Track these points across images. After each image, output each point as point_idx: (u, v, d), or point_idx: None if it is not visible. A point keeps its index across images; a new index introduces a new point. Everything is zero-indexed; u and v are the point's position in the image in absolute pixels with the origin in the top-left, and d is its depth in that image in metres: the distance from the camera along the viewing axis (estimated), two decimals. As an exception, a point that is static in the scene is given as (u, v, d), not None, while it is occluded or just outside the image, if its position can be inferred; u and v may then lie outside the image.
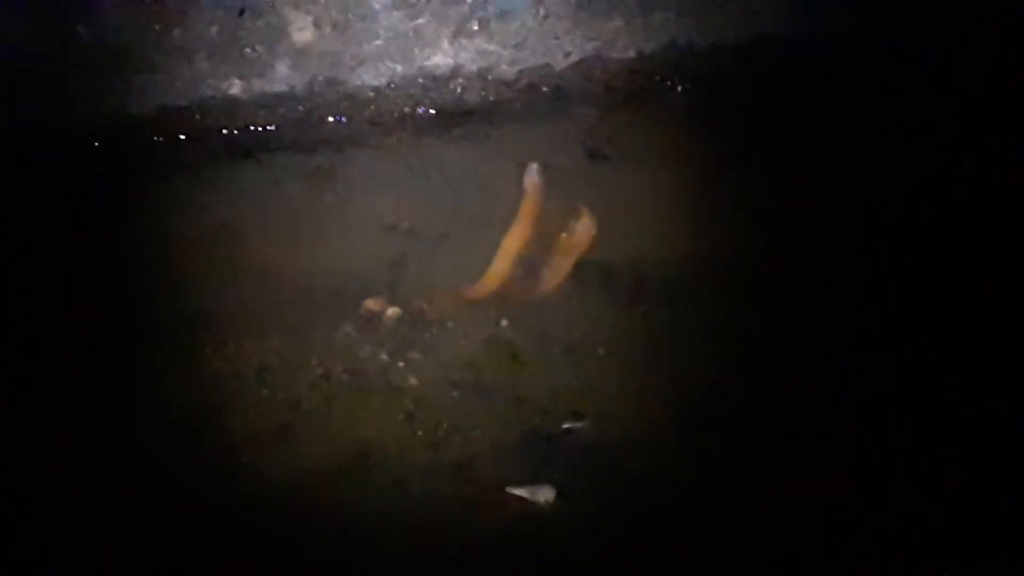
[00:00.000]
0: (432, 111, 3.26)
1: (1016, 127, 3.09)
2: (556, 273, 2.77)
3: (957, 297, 2.66)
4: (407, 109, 3.25)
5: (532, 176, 2.92)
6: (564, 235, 2.83)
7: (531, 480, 2.33)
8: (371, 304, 2.69)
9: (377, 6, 3.08)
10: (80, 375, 2.55)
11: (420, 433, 2.43)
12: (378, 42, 3.14)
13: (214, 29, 3.03)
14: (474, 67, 3.23)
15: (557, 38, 3.23)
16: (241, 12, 3.02)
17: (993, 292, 2.66)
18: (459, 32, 3.16)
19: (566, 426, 2.44)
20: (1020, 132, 3.06)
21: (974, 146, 3.08)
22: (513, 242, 2.81)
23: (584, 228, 2.83)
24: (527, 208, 2.87)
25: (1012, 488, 2.28)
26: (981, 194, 2.93)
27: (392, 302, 2.70)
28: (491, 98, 3.28)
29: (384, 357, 2.59)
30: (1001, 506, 2.25)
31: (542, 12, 3.18)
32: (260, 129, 3.20)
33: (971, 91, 3.26)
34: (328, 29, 3.09)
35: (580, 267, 2.77)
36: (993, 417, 2.41)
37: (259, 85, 3.15)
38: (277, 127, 3.21)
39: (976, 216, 2.87)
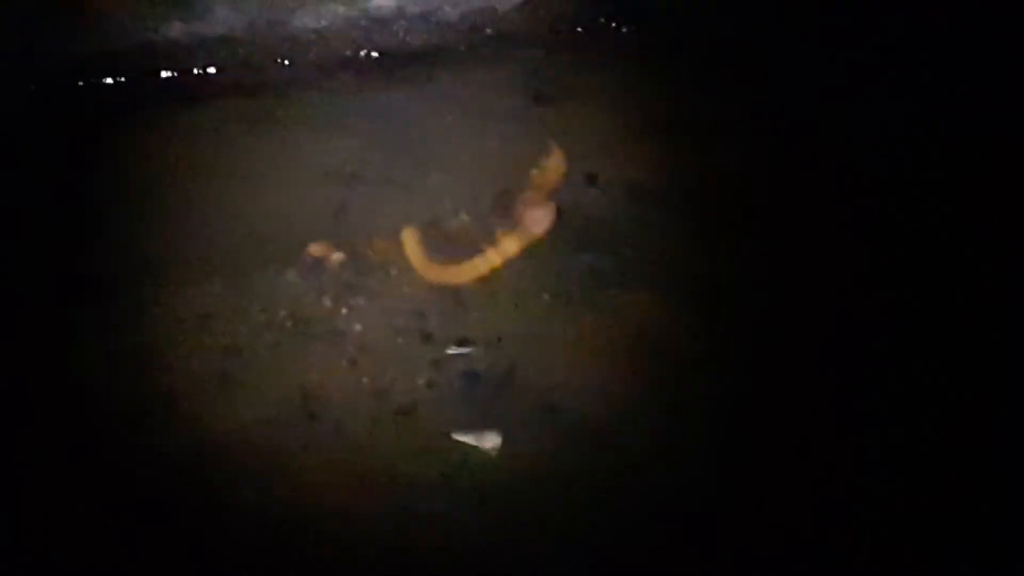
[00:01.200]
0: (375, 54, 3.23)
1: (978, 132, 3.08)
2: (536, 211, 2.76)
3: (929, 310, 2.64)
4: (349, 52, 3.22)
5: (555, 155, 2.88)
6: (535, 171, 2.82)
7: (476, 426, 2.33)
8: (315, 249, 2.67)
9: (319, -54, 3.04)
10: (21, 320, 2.53)
11: (364, 380, 2.43)
12: (319, -17, 3.11)
13: (153, -30, 2.99)
14: (417, 9, 3.20)
15: (501, -22, 3.21)
16: (180, -47, 2.98)
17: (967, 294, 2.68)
18: (401, -27, 3.14)
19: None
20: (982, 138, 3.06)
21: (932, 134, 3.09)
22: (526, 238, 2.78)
23: (555, 163, 2.83)
24: (543, 183, 2.84)
25: (1012, 488, 2.31)
26: (941, 192, 2.93)
27: (336, 247, 2.68)
28: (434, 41, 3.25)
29: (328, 303, 2.58)
30: (1001, 507, 2.28)
31: (486, -48, 3.15)
32: (201, 72, 3.16)
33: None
34: (268, -30, 3.06)
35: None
36: (988, 434, 2.42)
37: (199, 27, 3.11)
38: (218, 70, 3.16)
39: (940, 216, 2.86)
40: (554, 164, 2.83)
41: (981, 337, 2.54)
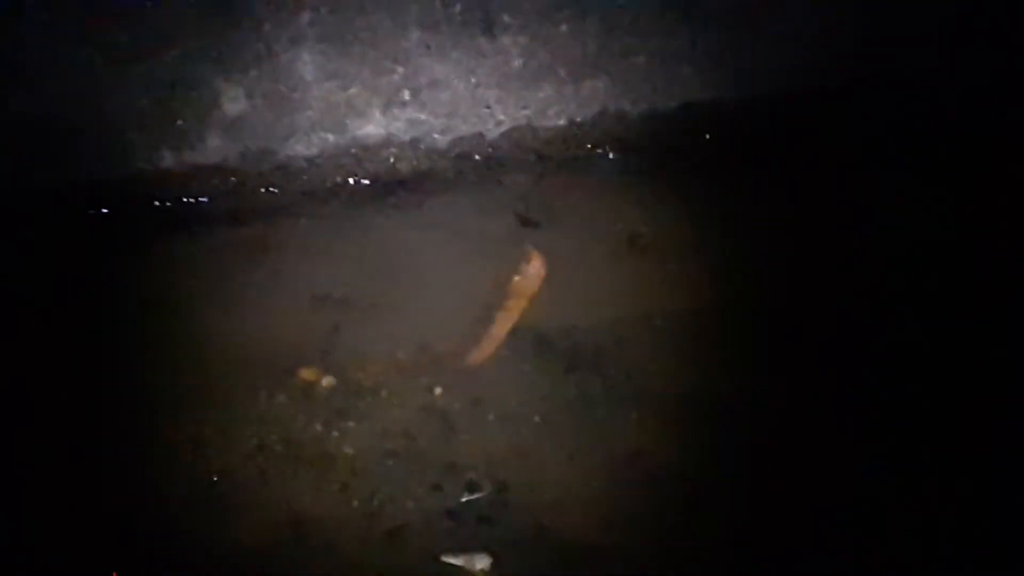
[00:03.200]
0: (365, 181, 3.27)
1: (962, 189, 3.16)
2: (510, 316, 2.80)
3: (918, 369, 2.71)
4: (339, 179, 3.27)
5: (535, 261, 2.90)
6: (517, 278, 2.84)
7: (466, 549, 2.32)
8: (305, 374, 2.69)
9: (308, 77, 3.09)
10: (11, 447, 2.52)
11: (355, 503, 2.42)
12: (310, 112, 3.16)
13: (145, 102, 3.03)
14: (406, 137, 3.25)
15: (488, 107, 3.26)
16: (172, 85, 3.02)
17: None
18: (391, 102, 3.19)
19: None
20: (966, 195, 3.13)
21: (921, 200, 3.15)
22: (510, 319, 2.81)
23: (535, 269, 2.85)
24: (525, 288, 2.87)
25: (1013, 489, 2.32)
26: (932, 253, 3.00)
27: (326, 371, 2.70)
28: (423, 167, 3.30)
29: (319, 427, 2.58)
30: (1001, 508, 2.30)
31: (473, 81, 3.21)
32: (192, 201, 3.20)
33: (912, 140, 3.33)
34: (260, 100, 3.10)
35: (514, 334, 2.78)
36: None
37: (191, 157, 3.15)
38: (210, 198, 3.20)
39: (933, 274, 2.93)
40: (534, 269, 2.85)
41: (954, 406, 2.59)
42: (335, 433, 2.57)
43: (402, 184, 3.28)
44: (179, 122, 3.09)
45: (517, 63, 3.21)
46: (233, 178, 3.21)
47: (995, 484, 2.42)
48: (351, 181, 3.27)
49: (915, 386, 2.65)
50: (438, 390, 2.66)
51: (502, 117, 3.29)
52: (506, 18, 3.13)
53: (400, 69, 3.15)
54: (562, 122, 3.34)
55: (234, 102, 3.09)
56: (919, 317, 2.83)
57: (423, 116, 3.23)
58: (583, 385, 2.69)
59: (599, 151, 3.40)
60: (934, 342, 2.75)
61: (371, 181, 3.28)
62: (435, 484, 2.46)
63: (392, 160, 3.27)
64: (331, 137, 3.21)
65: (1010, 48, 3.35)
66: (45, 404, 2.63)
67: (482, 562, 2.30)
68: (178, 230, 3.13)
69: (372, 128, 3.22)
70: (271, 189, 3.23)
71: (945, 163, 3.26)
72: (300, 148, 3.21)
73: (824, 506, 2.42)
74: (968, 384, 2.64)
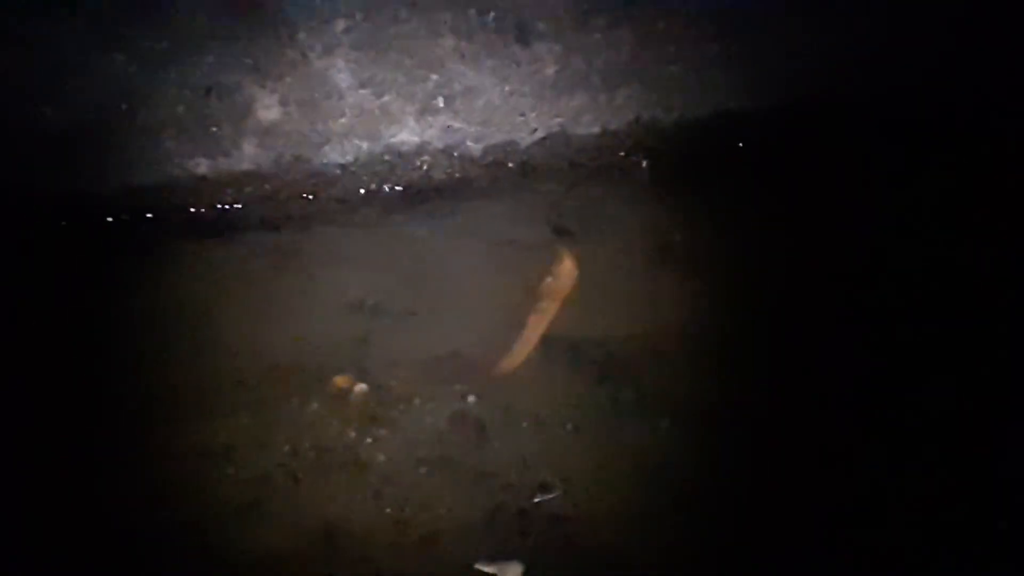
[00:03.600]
0: (398, 188, 3.28)
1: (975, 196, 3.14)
2: (544, 318, 2.81)
3: (933, 374, 2.70)
4: (373, 186, 3.27)
5: (567, 263, 2.91)
6: (548, 279, 2.85)
7: (499, 556, 2.32)
8: (339, 381, 2.69)
9: (343, 84, 3.10)
10: (46, 453, 2.53)
11: (387, 510, 2.42)
12: (344, 120, 3.16)
13: (180, 108, 3.04)
14: (440, 144, 3.25)
15: (522, 115, 3.26)
16: (208, 91, 3.03)
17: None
18: (425, 109, 3.19)
19: (537, 500, 2.43)
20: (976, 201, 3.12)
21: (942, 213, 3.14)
22: (542, 321, 2.81)
23: (567, 270, 2.86)
24: (557, 290, 2.87)
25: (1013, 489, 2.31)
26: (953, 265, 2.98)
27: (360, 379, 2.70)
28: (457, 175, 3.30)
29: (352, 434, 2.58)
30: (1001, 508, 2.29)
31: (507, 89, 3.21)
32: (227, 207, 3.21)
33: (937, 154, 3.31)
34: (294, 107, 3.11)
35: (547, 342, 2.78)
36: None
37: (225, 164, 3.16)
38: (244, 205, 3.21)
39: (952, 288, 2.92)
40: (566, 271, 2.86)
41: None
42: (368, 440, 2.57)
43: (436, 191, 3.28)
44: (214, 129, 3.10)
45: (551, 71, 3.20)
46: (267, 185, 3.22)
47: (995, 484, 2.41)
48: (385, 188, 3.28)
49: (927, 386, 2.65)
50: (471, 398, 2.65)
51: (536, 125, 3.29)
52: (540, 26, 3.13)
53: (434, 76, 3.15)
54: (596, 130, 3.33)
55: (268, 109, 3.09)
56: (942, 320, 2.82)
57: (457, 124, 3.23)
58: (615, 394, 2.68)
59: (632, 159, 3.39)
60: (949, 344, 2.74)
61: (404, 188, 3.29)
62: (468, 491, 2.45)
63: (426, 168, 3.28)
64: (365, 144, 3.21)
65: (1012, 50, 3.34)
66: (75, 410, 2.64)
67: (514, 570, 2.29)
68: (212, 237, 3.13)
69: (406, 135, 3.22)
70: (305, 196, 3.24)
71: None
72: (334, 155, 3.21)
73: (841, 507, 2.43)
74: (968, 384, 2.64)
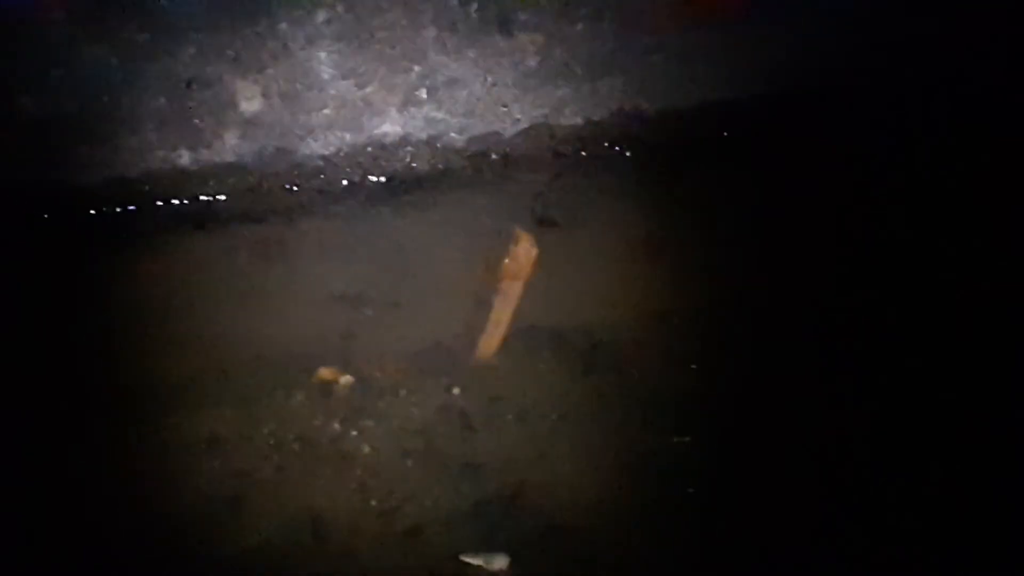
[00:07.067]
0: (382, 179, 3.27)
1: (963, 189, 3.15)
2: (509, 299, 2.80)
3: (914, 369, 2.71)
4: (356, 178, 3.26)
5: (523, 243, 2.91)
6: (507, 261, 2.85)
7: (484, 548, 2.32)
8: (323, 373, 2.69)
9: (325, 75, 3.09)
10: (29, 445, 2.53)
11: (373, 502, 2.42)
12: (327, 111, 3.15)
13: (162, 100, 3.03)
14: (423, 135, 3.25)
15: (505, 106, 3.25)
16: (189, 83, 3.02)
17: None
18: (407, 101, 3.18)
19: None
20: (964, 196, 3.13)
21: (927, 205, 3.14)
22: (508, 302, 2.81)
23: (525, 251, 2.85)
24: (517, 270, 2.87)
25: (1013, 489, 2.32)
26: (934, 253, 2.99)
27: (344, 370, 2.69)
28: (440, 166, 3.29)
29: (336, 426, 2.58)
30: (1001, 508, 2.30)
31: (490, 80, 3.20)
32: (209, 199, 3.20)
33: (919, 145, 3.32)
34: (276, 99, 3.10)
35: (531, 332, 2.78)
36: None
37: (208, 156, 3.15)
38: (226, 197, 3.20)
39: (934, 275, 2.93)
40: (523, 250, 2.86)
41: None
42: (353, 432, 2.57)
43: (419, 183, 3.27)
44: (196, 121, 3.09)
45: (534, 62, 3.20)
46: (250, 177, 3.21)
47: (995, 484, 2.41)
48: (368, 180, 3.27)
49: (926, 385, 2.65)
50: (456, 389, 2.65)
51: (519, 116, 3.28)
52: (522, 17, 3.12)
53: (417, 68, 3.14)
54: (579, 121, 3.33)
55: (251, 101, 3.08)
56: (939, 314, 2.82)
57: (440, 115, 3.23)
58: (600, 385, 2.68)
59: (616, 150, 3.39)
60: (949, 341, 2.75)
61: (388, 180, 3.28)
62: (453, 483, 2.45)
63: (409, 159, 3.27)
64: (348, 136, 3.20)
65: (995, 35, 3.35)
66: (58, 403, 2.63)
67: (500, 561, 2.29)
68: (195, 229, 3.13)
69: (389, 127, 3.21)
70: (288, 188, 3.23)
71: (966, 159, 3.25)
72: (317, 147, 3.20)
73: (835, 505, 2.43)
74: (969, 384, 2.64)
